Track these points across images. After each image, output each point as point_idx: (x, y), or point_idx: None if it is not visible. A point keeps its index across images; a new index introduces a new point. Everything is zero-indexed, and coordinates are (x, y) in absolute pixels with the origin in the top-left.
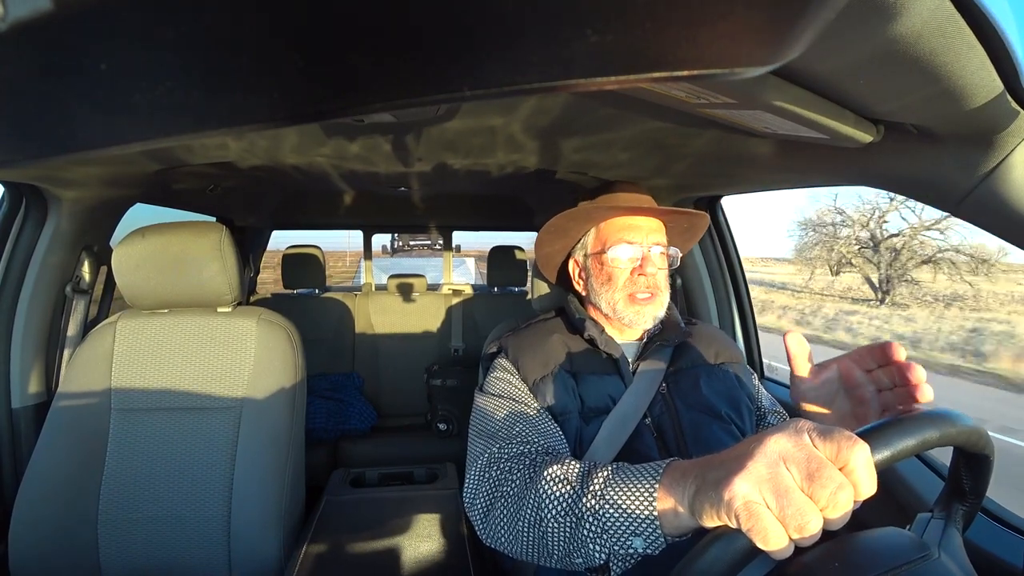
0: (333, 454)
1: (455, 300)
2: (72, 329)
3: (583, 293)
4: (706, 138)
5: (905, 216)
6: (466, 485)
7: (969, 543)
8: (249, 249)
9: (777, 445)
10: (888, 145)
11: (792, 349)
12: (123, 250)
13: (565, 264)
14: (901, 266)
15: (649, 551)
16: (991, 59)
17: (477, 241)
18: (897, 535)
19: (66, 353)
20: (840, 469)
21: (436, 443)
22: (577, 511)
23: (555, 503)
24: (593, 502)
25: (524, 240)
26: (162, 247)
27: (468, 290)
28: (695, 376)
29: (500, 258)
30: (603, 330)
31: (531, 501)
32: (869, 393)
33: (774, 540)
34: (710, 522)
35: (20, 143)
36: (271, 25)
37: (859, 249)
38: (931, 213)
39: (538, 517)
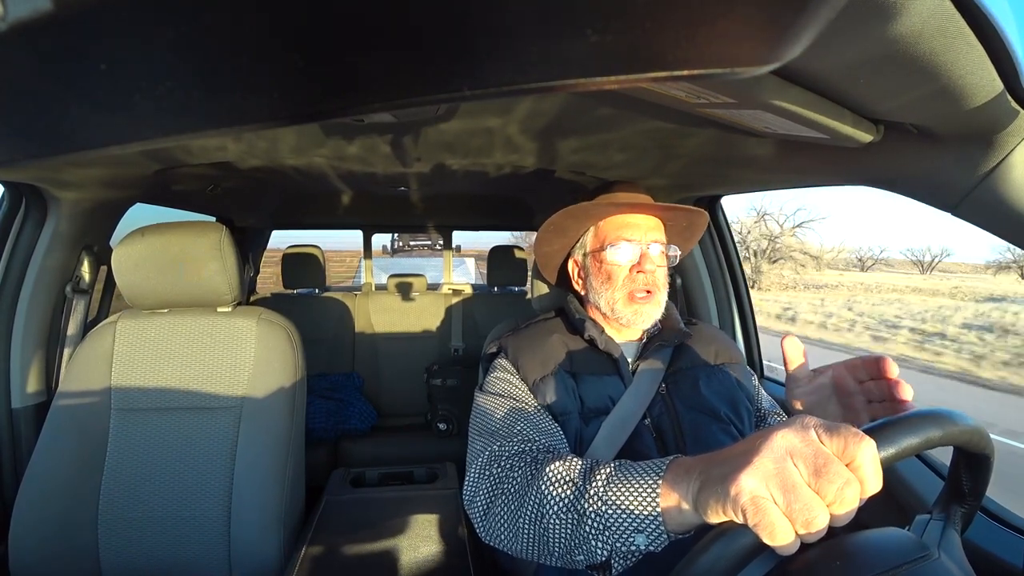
0: (333, 454)
1: (455, 300)
2: (72, 329)
3: (582, 292)
4: (706, 138)
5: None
6: (466, 483)
7: (969, 543)
8: (249, 249)
9: (784, 441)
10: (888, 145)
11: (788, 353)
12: (123, 250)
13: (565, 264)
14: (758, 263)
15: (652, 548)
16: (991, 59)
17: (477, 241)
18: (897, 535)
19: (66, 353)
20: (846, 465)
21: (436, 443)
22: (579, 508)
23: (557, 500)
24: (595, 499)
25: (510, 239)
26: (162, 247)
27: (468, 290)
28: (695, 377)
29: (500, 258)
30: (603, 330)
31: (532, 498)
32: (860, 403)
33: (781, 535)
34: (715, 518)
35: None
36: (271, 25)
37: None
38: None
39: (539, 514)
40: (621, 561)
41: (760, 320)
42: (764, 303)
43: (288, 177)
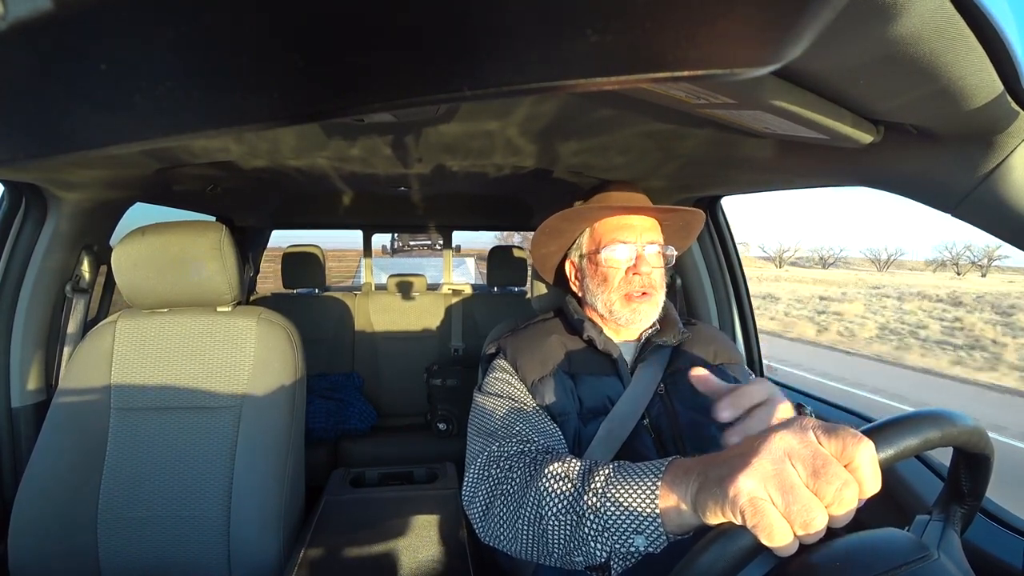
0: (333, 454)
1: (455, 300)
2: (72, 328)
3: (580, 294)
4: (706, 139)
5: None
6: (465, 483)
7: (968, 543)
8: (249, 249)
9: (782, 442)
10: (888, 145)
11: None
12: (123, 249)
13: (562, 265)
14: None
15: (651, 549)
16: (991, 59)
17: (474, 241)
18: (896, 536)
19: (66, 352)
20: (845, 466)
21: (436, 443)
22: (578, 509)
23: (556, 501)
24: (594, 500)
25: (495, 239)
26: (162, 247)
27: (468, 290)
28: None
29: (500, 258)
30: (601, 331)
31: (531, 499)
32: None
33: (779, 536)
34: (713, 519)
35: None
36: (271, 25)
37: None
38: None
39: (538, 515)
40: (620, 562)
41: None
42: None
43: (288, 177)
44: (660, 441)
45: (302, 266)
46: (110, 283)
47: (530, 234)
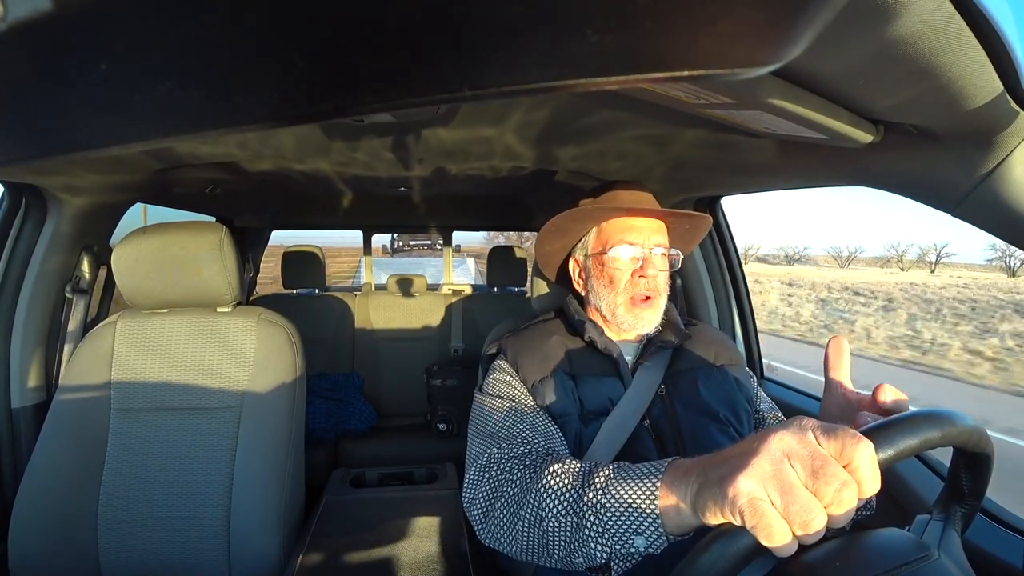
0: (333, 454)
1: (455, 300)
2: (72, 329)
3: (583, 293)
4: (706, 139)
5: None
6: (465, 485)
7: (969, 543)
8: (249, 249)
9: (781, 442)
10: (888, 145)
11: (831, 355)
12: (123, 250)
13: (565, 263)
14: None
15: (651, 550)
16: (991, 59)
17: (467, 239)
18: (896, 536)
19: (66, 353)
20: (844, 467)
21: (436, 443)
22: (578, 510)
23: (556, 502)
24: (595, 501)
25: (483, 239)
26: (162, 247)
27: (468, 290)
28: (694, 378)
29: (500, 258)
30: (602, 331)
31: (532, 501)
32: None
33: (778, 537)
34: (713, 520)
35: (20, 143)
36: (271, 25)
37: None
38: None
39: (539, 517)
40: (620, 563)
41: None
42: None
43: (288, 178)
44: (661, 442)
45: (302, 266)
46: (110, 283)
47: (518, 235)
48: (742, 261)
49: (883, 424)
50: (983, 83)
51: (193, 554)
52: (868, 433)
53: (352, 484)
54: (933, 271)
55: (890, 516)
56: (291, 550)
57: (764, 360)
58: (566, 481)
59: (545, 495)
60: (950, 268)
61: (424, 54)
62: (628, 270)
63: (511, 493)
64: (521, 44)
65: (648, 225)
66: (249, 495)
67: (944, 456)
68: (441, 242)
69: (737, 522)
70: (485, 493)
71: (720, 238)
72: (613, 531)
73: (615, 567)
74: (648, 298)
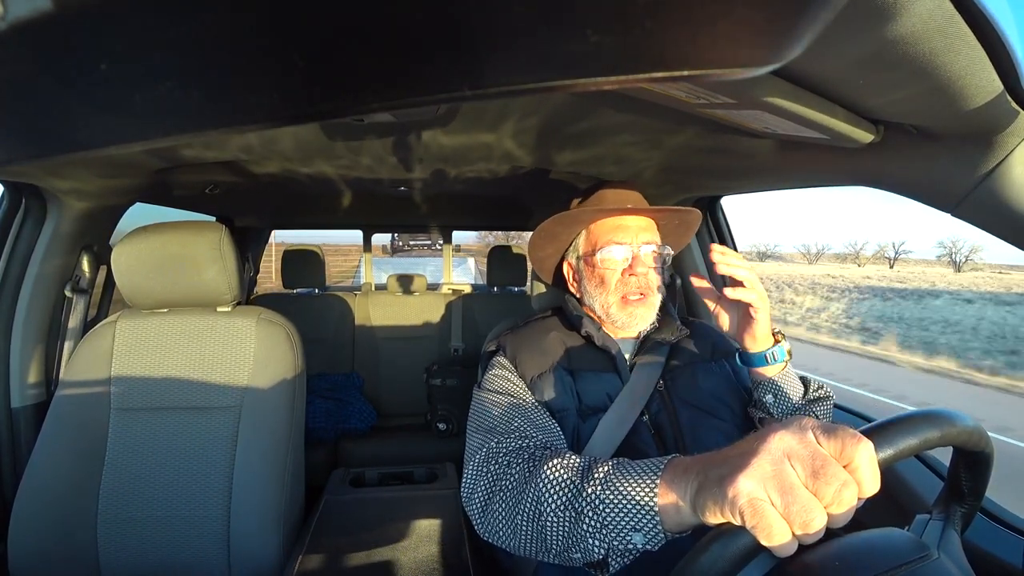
0: (333, 454)
1: (455, 299)
2: (72, 328)
3: (577, 295)
4: (705, 139)
5: None
6: (464, 479)
7: (968, 543)
8: (249, 249)
9: (781, 442)
10: (888, 145)
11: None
12: (122, 250)
13: (560, 266)
14: None
15: (648, 547)
16: (991, 59)
17: (466, 238)
18: (896, 535)
19: (66, 352)
20: (844, 467)
21: (436, 443)
22: (576, 506)
23: (554, 498)
24: (593, 497)
25: (474, 238)
26: (161, 247)
27: (468, 290)
28: (692, 373)
29: (500, 258)
30: (600, 327)
31: (530, 496)
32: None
33: (778, 537)
34: (713, 519)
35: (20, 143)
36: (271, 25)
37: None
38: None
39: (537, 512)
40: (618, 559)
41: None
42: None
43: (289, 178)
44: (660, 437)
45: (302, 266)
46: (110, 283)
47: (512, 234)
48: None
49: (883, 424)
50: (983, 83)
51: (193, 553)
52: (868, 433)
53: (352, 484)
54: (892, 266)
55: (890, 516)
56: (291, 550)
57: None
58: (565, 476)
59: (544, 489)
60: (908, 264)
61: (424, 54)
62: (618, 269)
63: (509, 487)
64: (521, 44)
65: (636, 223)
66: (249, 495)
67: (944, 456)
68: (441, 242)
69: (737, 522)
70: (484, 487)
71: (720, 238)
72: (611, 527)
73: (613, 563)
74: (641, 295)
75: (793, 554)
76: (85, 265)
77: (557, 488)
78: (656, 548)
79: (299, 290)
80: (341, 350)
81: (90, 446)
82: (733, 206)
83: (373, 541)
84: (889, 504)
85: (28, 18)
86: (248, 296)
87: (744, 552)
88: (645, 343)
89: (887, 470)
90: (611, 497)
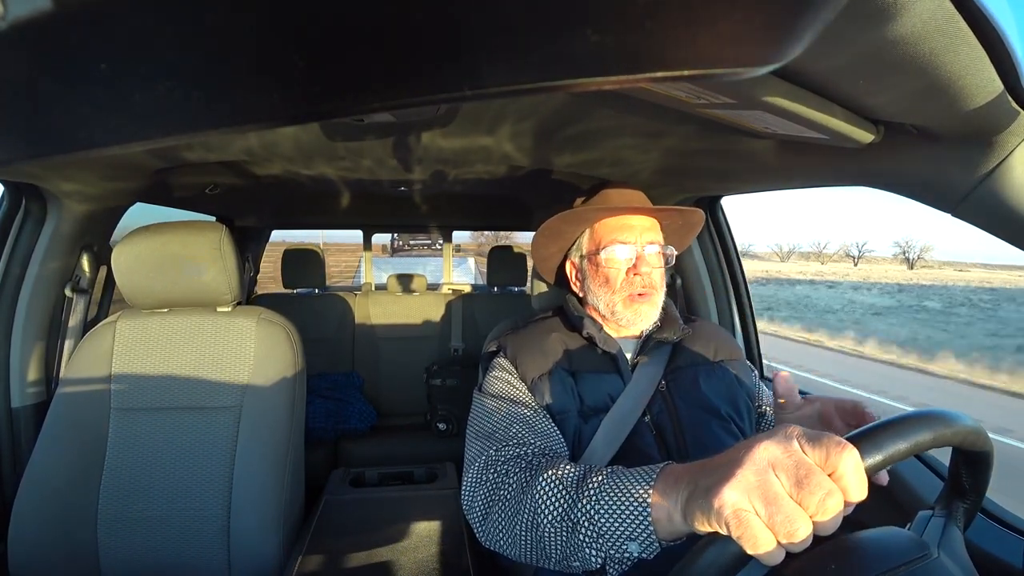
0: (333, 454)
1: (455, 300)
2: (72, 328)
3: (580, 294)
4: (706, 138)
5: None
6: (464, 487)
7: (969, 543)
8: (249, 249)
9: (766, 452)
10: (888, 145)
11: (780, 389)
12: (123, 249)
13: (563, 265)
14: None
15: (644, 555)
16: (991, 59)
17: (461, 238)
18: (896, 535)
19: (66, 352)
20: (830, 475)
21: (436, 443)
22: (572, 516)
23: (551, 509)
24: (588, 508)
25: (468, 238)
26: (162, 246)
27: (468, 290)
28: (694, 374)
29: (500, 258)
30: (601, 328)
31: (527, 506)
32: None
33: (764, 546)
34: (702, 528)
35: (20, 143)
36: (271, 25)
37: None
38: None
39: (535, 522)
40: (616, 567)
41: None
42: None
43: (289, 177)
44: (662, 438)
45: (302, 266)
46: (110, 283)
47: (502, 234)
48: (741, 260)
49: (869, 429)
50: (983, 83)
51: (193, 553)
52: (854, 439)
53: (352, 484)
54: (856, 264)
55: (890, 515)
56: (291, 549)
57: (764, 360)
58: (560, 487)
59: (540, 501)
60: (871, 262)
61: (424, 54)
62: (623, 269)
63: (508, 497)
64: (521, 44)
65: (640, 223)
66: (249, 494)
67: (944, 455)
68: (441, 242)
69: (724, 532)
70: (483, 496)
71: (720, 238)
72: (607, 537)
73: (611, 571)
74: (645, 294)
75: (793, 554)
76: (85, 265)
77: (553, 499)
78: (651, 556)
79: (299, 290)
80: (341, 350)
81: (90, 446)
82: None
83: (373, 541)
84: (889, 503)
85: (28, 18)
86: (248, 296)
87: (735, 560)
88: (647, 343)
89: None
90: (605, 507)
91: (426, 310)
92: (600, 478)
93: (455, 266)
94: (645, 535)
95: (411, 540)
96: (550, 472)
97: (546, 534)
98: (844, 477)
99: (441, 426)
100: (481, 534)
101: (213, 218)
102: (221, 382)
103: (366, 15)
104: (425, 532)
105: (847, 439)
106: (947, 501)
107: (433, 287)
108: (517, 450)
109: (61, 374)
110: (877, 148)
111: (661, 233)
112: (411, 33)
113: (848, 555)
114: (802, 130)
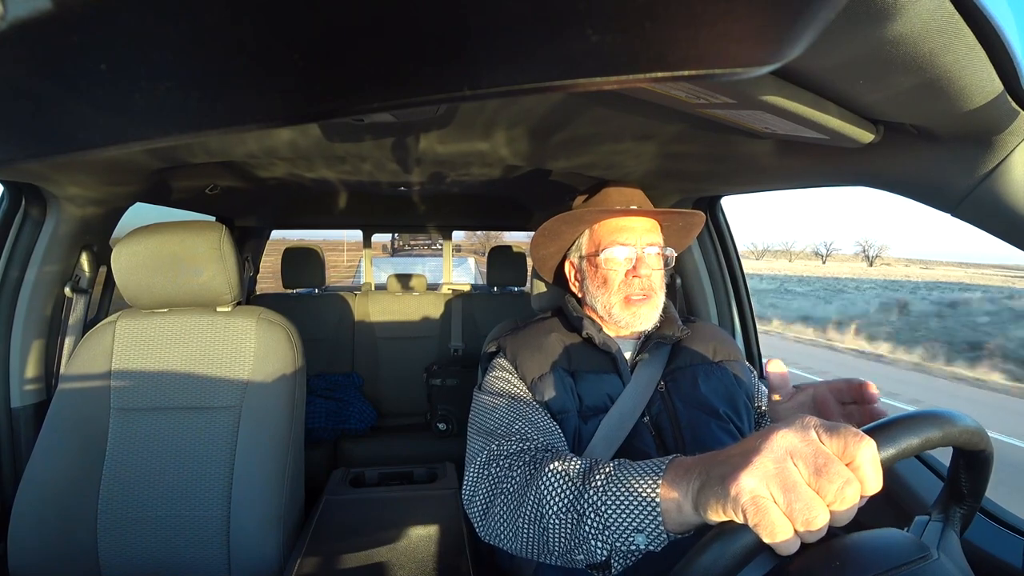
0: (333, 454)
1: (455, 299)
2: (71, 328)
3: (579, 295)
4: (705, 139)
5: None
6: (465, 482)
7: (968, 543)
8: (249, 249)
9: (784, 440)
10: (888, 145)
11: (773, 380)
12: (122, 249)
13: (562, 266)
14: None
15: (651, 548)
16: (991, 59)
17: (461, 236)
18: (896, 536)
19: (66, 352)
20: (847, 465)
21: (436, 443)
22: (579, 508)
23: (556, 500)
24: (595, 499)
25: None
26: (161, 246)
27: (468, 289)
28: (693, 374)
29: (500, 258)
30: (601, 328)
31: (532, 498)
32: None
33: (781, 534)
34: (715, 517)
35: (20, 143)
36: (271, 25)
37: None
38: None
39: (539, 514)
40: (621, 560)
41: None
42: None
43: (289, 177)
44: (661, 439)
45: (301, 265)
46: (110, 283)
47: (493, 234)
48: (741, 261)
49: (885, 423)
50: (983, 83)
51: (193, 553)
52: (870, 432)
53: (352, 484)
54: (824, 262)
55: (890, 516)
56: (291, 550)
57: (764, 360)
58: (566, 478)
59: (545, 492)
60: (837, 260)
61: (424, 54)
62: (622, 270)
63: (511, 490)
64: (521, 44)
65: (640, 225)
66: (249, 494)
67: (944, 456)
68: (441, 242)
69: (739, 520)
70: (484, 490)
71: (720, 238)
72: (613, 528)
73: (615, 564)
74: (644, 295)
75: (793, 554)
76: (85, 265)
77: (559, 490)
78: (658, 549)
79: (299, 290)
80: (341, 350)
81: (90, 445)
82: None
83: (373, 541)
84: (889, 505)
85: (28, 18)
86: (248, 296)
87: (745, 551)
88: (646, 343)
89: (887, 470)
90: (613, 498)
91: (426, 310)
92: (607, 470)
93: (455, 266)
94: (653, 526)
95: (411, 540)
96: (555, 464)
97: (550, 526)
98: (862, 468)
99: (441, 426)
100: (482, 529)
101: (213, 218)
102: (221, 382)
103: (366, 15)
104: (425, 532)
105: (863, 431)
106: (944, 506)
107: (433, 287)
108: (520, 445)
109: (61, 374)
110: (877, 148)
111: (661, 234)
112: (411, 33)
113: (850, 554)
114: (802, 130)
